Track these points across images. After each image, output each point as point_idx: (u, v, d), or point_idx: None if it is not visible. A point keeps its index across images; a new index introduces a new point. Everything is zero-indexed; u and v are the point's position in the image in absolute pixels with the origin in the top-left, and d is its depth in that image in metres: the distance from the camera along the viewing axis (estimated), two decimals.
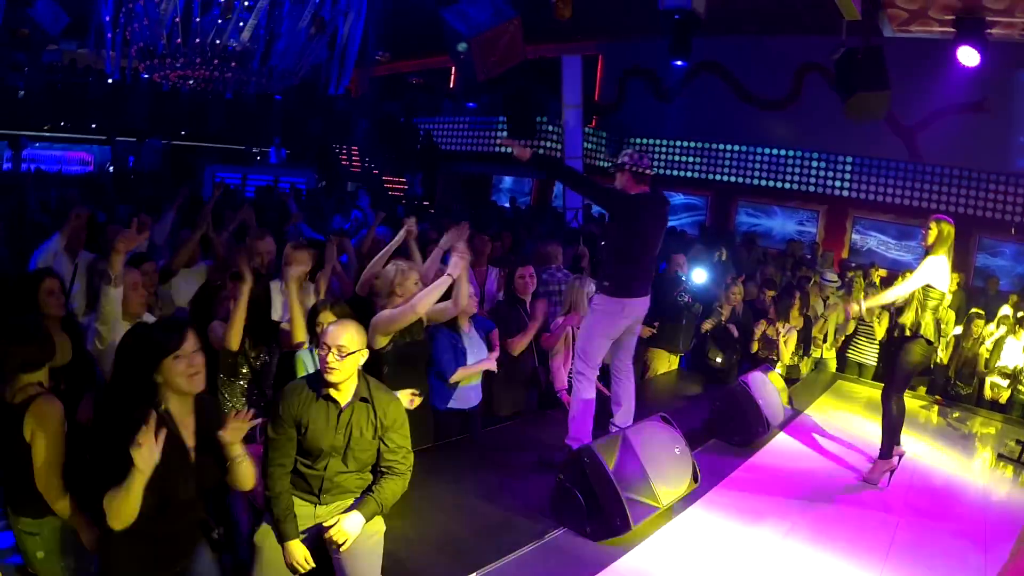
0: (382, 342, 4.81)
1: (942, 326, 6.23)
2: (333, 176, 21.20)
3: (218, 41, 13.75)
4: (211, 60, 14.11)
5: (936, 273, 5.83)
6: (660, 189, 5.73)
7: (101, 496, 2.88)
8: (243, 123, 21.98)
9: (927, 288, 5.84)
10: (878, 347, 9.44)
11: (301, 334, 4.71)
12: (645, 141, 19.22)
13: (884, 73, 10.06)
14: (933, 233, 5.89)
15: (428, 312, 5.10)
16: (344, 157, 22.80)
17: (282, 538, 3.49)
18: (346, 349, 3.49)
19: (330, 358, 3.47)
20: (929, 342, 5.87)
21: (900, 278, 6.56)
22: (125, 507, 2.83)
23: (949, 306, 8.58)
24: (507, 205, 20.47)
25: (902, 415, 6.02)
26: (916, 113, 15.73)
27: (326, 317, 4.47)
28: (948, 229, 5.87)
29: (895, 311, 6.09)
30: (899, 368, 6.01)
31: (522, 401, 6.63)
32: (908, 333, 5.89)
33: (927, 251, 5.94)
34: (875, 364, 9.54)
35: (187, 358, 3.06)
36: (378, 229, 7.88)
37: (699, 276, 9.01)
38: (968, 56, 9.54)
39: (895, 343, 6.10)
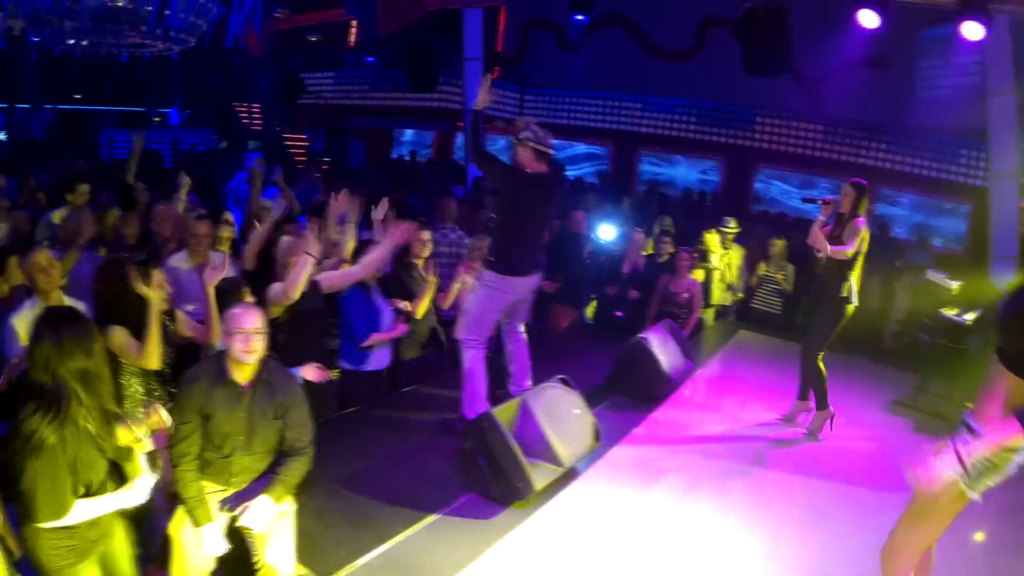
0: (276, 312, 4.78)
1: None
2: (234, 136, 20.61)
3: (110, 3, 13.15)
4: (104, 22, 13.50)
5: (864, 238, 5.97)
6: (558, 166, 5.58)
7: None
8: (140, 84, 21.15)
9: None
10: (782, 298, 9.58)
11: (218, 337, 4.23)
12: (548, 92, 19.21)
13: (785, 32, 10.25)
14: (851, 198, 6.01)
15: (331, 281, 5.19)
16: (245, 116, 22.24)
17: (196, 524, 3.47)
18: (262, 330, 3.51)
19: (252, 343, 3.47)
20: (849, 302, 6.07)
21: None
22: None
23: None
24: (407, 158, 20.24)
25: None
26: (819, 67, 16.00)
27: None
28: (864, 194, 6.04)
29: (809, 269, 6.18)
30: (823, 328, 6.20)
31: (427, 364, 6.59)
32: (839, 295, 6.03)
33: (848, 215, 6.02)
34: (779, 313, 9.46)
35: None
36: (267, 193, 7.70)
37: (606, 233, 8.97)
38: (868, 18, 9.66)
39: (819, 303, 6.30)
